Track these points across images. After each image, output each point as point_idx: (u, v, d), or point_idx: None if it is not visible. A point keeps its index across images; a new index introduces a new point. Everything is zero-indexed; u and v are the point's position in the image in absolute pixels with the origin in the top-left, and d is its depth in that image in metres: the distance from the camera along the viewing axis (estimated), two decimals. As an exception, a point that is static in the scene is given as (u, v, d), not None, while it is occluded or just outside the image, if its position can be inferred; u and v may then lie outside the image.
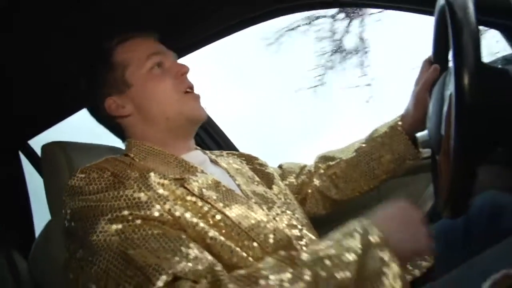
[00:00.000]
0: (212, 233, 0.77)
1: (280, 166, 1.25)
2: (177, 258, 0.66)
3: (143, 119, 0.98)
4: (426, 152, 1.18)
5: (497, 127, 0.71)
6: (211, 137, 1.79)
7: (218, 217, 0.79)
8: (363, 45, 3.76)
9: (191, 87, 1.00)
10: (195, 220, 0.77)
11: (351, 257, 0.64)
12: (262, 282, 0.61)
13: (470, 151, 0.66)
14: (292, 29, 3.77)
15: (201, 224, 0.77)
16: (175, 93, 0.96)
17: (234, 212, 0.81)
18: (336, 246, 0.66)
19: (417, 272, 0.94)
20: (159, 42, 1.04)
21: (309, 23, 3.72)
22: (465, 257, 0.84)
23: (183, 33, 1.44)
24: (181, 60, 1.51)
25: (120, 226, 0.70)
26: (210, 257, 0.70)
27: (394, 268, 0.64)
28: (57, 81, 1.47)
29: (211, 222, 0.78)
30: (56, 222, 1.07)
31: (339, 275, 0.62)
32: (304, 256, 0.65)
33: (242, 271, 0.66)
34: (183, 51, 1.52)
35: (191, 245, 0.70)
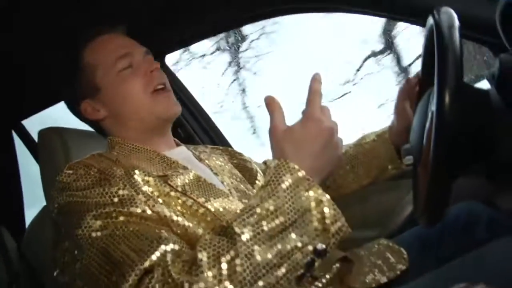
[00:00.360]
0: (195, 228, 0.80)
1: (264, 162, 1.27)
2: (150, 253, 0.67)
3: (117, 121, 0.99)
4: (410, 159, 1.23)
5: (474, 144, 0.75)
6: (205, 132, 1.82)
7: (201, 211, 0.83)
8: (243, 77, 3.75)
9: (162, 83, 0.99)
10: (180, 218, 0.80)
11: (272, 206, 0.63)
12: (202, 261, 0.62)
13: (447, 165, 0.70)
14: (202, 56, 3.74)
15: (185, 221, 0.80)
16: (145, 94, 0.96)
17: (216, 206, 0.85)
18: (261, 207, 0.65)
19: (392, 275, 0.98)
20: (127, 37, 1.04)
21: (216, 50, 3.69)
22: (437, 264, 0.89)
23: (183, 26, 1.47)
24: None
25: (103, 222, 0.73)
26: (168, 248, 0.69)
27: (316, 196, 0.63)
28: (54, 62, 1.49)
29: (194, 216, 0.82)
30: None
31: (269, 226, 0.62)
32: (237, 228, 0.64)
33: (186, 257, 0.67)
34: (180, 44, 1.55)
35: (170, 240, 0.71)
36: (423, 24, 0.94)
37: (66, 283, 0.76)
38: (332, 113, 0.72)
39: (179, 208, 0.82)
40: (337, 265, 0.97)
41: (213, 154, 1.14)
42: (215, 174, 1.02)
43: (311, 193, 0.63)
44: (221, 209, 0.85)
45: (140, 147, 0.96)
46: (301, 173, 0.64)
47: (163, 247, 0.67)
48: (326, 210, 0.63)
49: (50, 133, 1.13)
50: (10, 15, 1.15)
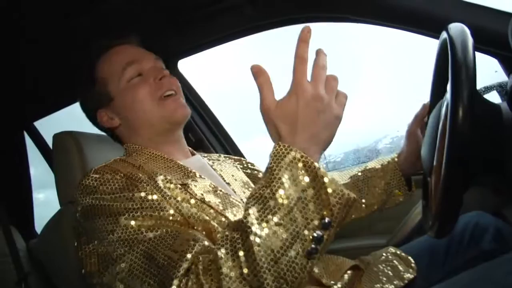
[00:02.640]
0: (216, 226, 0.83)
1: None
2: (186, 252, 0.69)
3: (130, 129, 1.02)
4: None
5: (485, 157, 0.77)
6: (214, 136, 1.83)
7: (219, 219, 0.85)
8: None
9: (171, 89, 1.01)
10: (202, 215, 0.83)
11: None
12: (222, 258, 0.63)
13: (458, 178, 0.71)
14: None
15: (206, 218, 0.83)
16: (152, 100, 0.99)
17: (232, 215, 0.87)
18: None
19: (399, 283, 0.98)
20: (139, 46, 1.07)
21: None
22: (444, 274, 0.90)
23: (196, 33, 1.49)
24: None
25: (137, 226, 0.75)
26: (198, 246, 0.71)
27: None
28: (67, 66, 1.50)
29: (212, 224, 0.83)
30: (66, 210, 1.12)
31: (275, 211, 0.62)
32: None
33: (211, 256, 0.66)
34: (193, 50, 1.57)
35: (200, 238, 0.74)
36: (436, 36, 0.95)
37: (101, 284, 0.77)
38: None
39: (199, 215, 0.84)
40: (348, 273, 0.98)
41: (226, 163, 1.16)
42: (227, 183, 1.04)
43: (309, 171, 0.62)
44: (237, 219, 0.86)
45: (158, 154, 0.98)
46: (298, 154, 0.62)
47: (196, 246, 0.70)
48: (323, 183, 0.61)
49: (65, 137, 1.14)
50: (23, 17, 1.17)
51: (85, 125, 1.09)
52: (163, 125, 0.99)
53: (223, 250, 0.63)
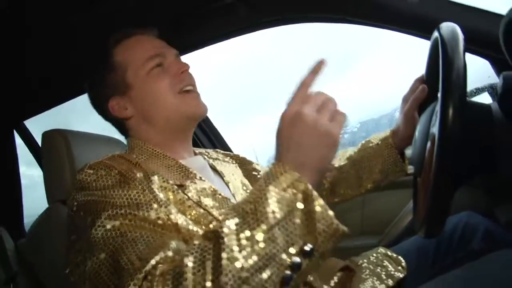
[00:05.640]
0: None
1: None
2: (147, 262, 0.65)
3: (144, 120, 0.99)
4: (411, 168, 1.24)
5: (475, 159, 0.77)
6: (206, 135, 1.83)
7: (214, 223, 0.83)
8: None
9: (191, 84, 1.01)
10: (194, 228, 0.81)
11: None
12: (187, 266, 0.59)
13: (449, 181, 0.70)
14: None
15: (199, 231, 0.81)
16: (173, 93, 0.97)
17: None
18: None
19: (390, 282, 0.99)
20: (160, 39, 1.05)
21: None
22: (433, 273, 0.90)
23: (193, 31, 1.49)
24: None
25: (117, 223, 0.73)
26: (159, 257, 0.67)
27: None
28: (59, 64, 1.49)
29: (207, 227, 0.82)
30: (54, 208, 1.11)
31: (254, 227, 0.58)
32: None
33: (175, 263, 0.63)
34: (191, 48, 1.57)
35: (170, 247, 0.69)
36: (428, 37, 0.95)
37: (74, 283, 0.76)
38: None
39: (193, 218, 0.83)
40: (339, 274, 0.98)
41: (225, 163, 1.15)
42: (227, 183, 1.03)
43: (298, 192, 0.59)
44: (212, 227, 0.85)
45: (160, 152, 0.96)
46: (291, 175, 0.60)
47: (158, 256, 0.66)
48: (313, 208, 0.59)
49: (54, 135, 1.13)
50: (18, 16, 1.15)
51: (74, 124, 1.08)
52: (178, 120, 0.98)
53: (191, 258, 0.59)
